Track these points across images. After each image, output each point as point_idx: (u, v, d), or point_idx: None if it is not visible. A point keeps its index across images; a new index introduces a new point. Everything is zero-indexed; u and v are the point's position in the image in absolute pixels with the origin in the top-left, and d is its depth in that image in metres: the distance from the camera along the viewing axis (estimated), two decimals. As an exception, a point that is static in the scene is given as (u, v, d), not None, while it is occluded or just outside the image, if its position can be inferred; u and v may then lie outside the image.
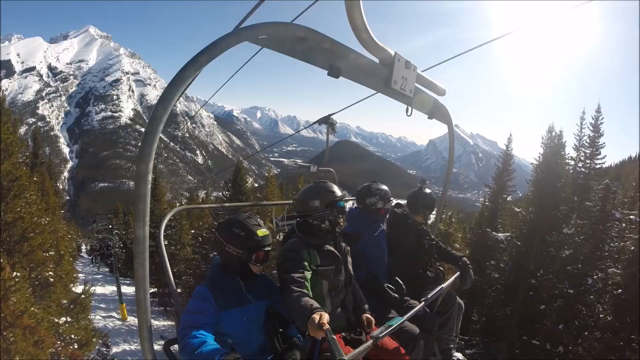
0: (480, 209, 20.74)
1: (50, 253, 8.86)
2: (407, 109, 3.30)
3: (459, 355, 4.47)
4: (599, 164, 14.09)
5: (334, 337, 1.92)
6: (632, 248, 11.75)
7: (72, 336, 7.87)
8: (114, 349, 17.75)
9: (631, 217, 12.42)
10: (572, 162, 14.37)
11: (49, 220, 9.66)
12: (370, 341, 2.39)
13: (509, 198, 17.88)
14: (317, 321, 2.07)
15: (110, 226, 31.59)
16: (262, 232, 2.58)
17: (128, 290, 30.62)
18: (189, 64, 1.78)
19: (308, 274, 2.77)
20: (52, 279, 8.33)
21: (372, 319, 2.98)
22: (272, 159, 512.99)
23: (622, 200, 13.72)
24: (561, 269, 13.19)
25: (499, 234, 15.47)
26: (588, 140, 13.98)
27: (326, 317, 2.11)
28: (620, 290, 11.54)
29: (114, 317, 23.16)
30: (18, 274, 6.23)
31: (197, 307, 2.36)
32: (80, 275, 18.24)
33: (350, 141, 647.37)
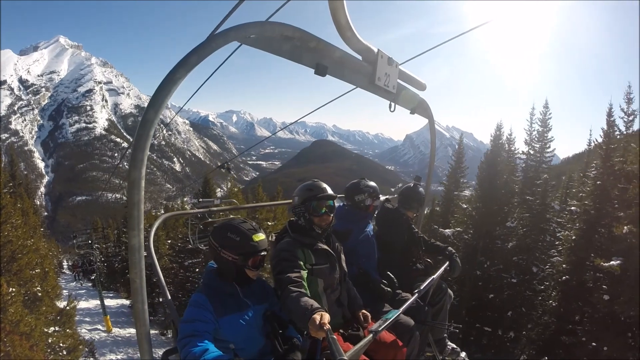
0: (431, 207, 21.34)
1: (36, 271, 9.85)
2: (390, 105, 3.44)
3: (452, 344, 4.53)
4: (549, 157, 14.94)
5: (335, 337, 1.92)
6: (574, 237, 12.34)
7: (61, 344, 8.93)
8: (101, 359, 18.20)
9: (572, 208, 13.10)
10: (524, 157, 15.15)
11: (33, 241, 10.57)
12: (370, 335, 2.44)
13: (465, 192, 18.53)
14: (318, 321, 2.06)
15: (89, 241, 31.99)
16: (257, 236, 2.54)
17: (111, 302, 31.32)
18: (178, 65, 1.78)
19: (304, 274, 2.77)
20: (39, 294, 9.33)
21: (368, 314, 3.09)
22: (250, 162, 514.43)
23: (565, 192, 14.92)
24: (508, 259, 13.99)
25: (446, 230, 15.97)
26: (537, 135, 14.81)
27: (327, 317, 2.11)
28: (565, 277, 12.19)
29: (99, 329, 23.43)
30: (13, 289, 7.22)
31: (195, 315, 2.32)
32: (64, 291, 18.79)
33: (327, 140, 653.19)
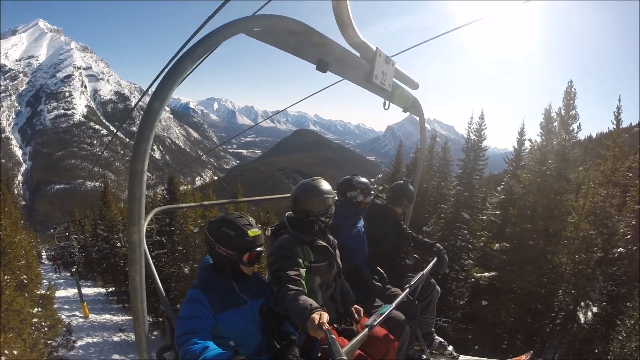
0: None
1: (21, 262, 11.84)
2: (384, 103, 3.51)
3: (440, 338, 4.60)
4: (482, 165, 15.90)
5: (334, 337, 1.90)
6: (482, 244, 13.21)
7: (43, 323, 11.03)
8: (79, 342, 19.37)
9: (483, 217, 14.31)
10: (462, 164, 15.91)
11: (19, 238, 12.54)
12: (366, 330, 2.45)
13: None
14: (317, 321, 2.06)
15: (67, 233, 33.20)
16: (253, 232, 2.49)
17: (89, 291, 32.82)
18: (185, 55, 1.76)
19: (303, 271, 2.77)
20: (25, 281, 11.38)
21: (361, 309, 3.12)
22: (230, 150, 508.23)
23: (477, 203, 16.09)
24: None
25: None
26: (472, 144, 15.77)
27: (326, 317, 2.11)
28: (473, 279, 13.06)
29: (77, 315, 24.88)
30: (7, 277, 9.25)
31: (192, 312, 2.28)
32: (44, 280, 20.29)
33: (309, 130, 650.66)
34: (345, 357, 1.76)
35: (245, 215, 2.60)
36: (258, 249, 2.53)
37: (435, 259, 4.19)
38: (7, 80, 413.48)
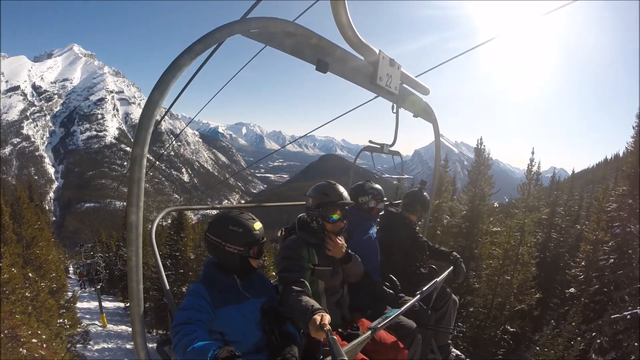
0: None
1: (52, 275, 15.34)
2: (392, 107, 3.43)
3: (457, 351, 4.46)
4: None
5: (335, 338, 1.90)
6: None
7: (66, 320, 14.39)
8: (96, 347, 22.26)
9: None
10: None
11: (52, 256, 16.16)
12: (369, 332, 2.46)
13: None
14: (318, 322, 2.07)
15: (92, 253, 36.10)
16: (257, 225, 2.57)
17: (109, 305, 35.68)
18: (184, 52, 1.85)
19: (307, 274, 2.82)
20: (55, 288, 14.94)
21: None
22: (258, 175, 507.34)
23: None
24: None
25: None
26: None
27: (327, 318, 2.11)
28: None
29: (96, 324, 27.66)
30: (43, 284, 12.82)
31: (190, 303, 2.32)
32: (69, 292, 23.45)
33: (336, 155, 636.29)
34: (346, 358, 1.77)
35: (244, 211, 2.68)
36: (263, 240, 2.62)
37: (452, 267, 4.13)
38: (42, 101, 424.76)
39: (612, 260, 12.95)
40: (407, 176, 5.14)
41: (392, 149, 4.22)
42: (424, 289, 3.23)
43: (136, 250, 1.99)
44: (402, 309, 2.85)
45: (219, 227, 2.55)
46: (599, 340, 11.50)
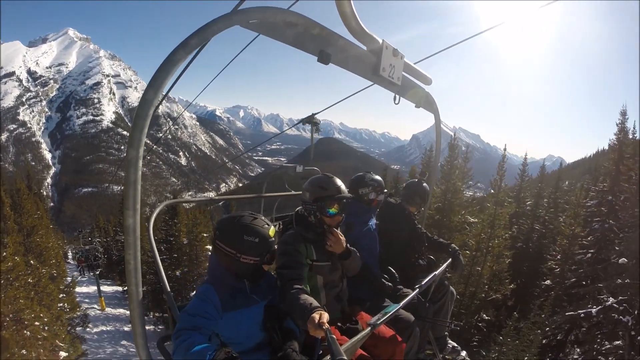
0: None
1: (52, 261, 16.13)
2: (394, 97, 3.36)
3: (453, 342, 4.45)
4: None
5: (334, 336, 1.90)
6: None
7: (66, 305, 15.23)
8: (95, 329, 22.94)
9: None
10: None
11: (51, 243, 16.94)
12: (368, 328, 2.45)
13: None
14: (317, 320, 2.08)
15: (90, 238, 36.60)
16: (272, 231, 2.48)
17: (107, 289, 36.09)
18: (179, 47, 1.76)
19: (306, 269, 2.79)
20: (55, 274, 15.73)
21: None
22: (256, 158, 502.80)
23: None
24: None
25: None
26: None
27: (326, 317, 2.12)
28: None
29: (95, 307, 28.21)
30: (44, 270, 13.64)
31: (198, 309, 2.27)
32: (68, 278, 24.08)
33: (334, 138, 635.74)
34: (345, 357, 1.75)
35: (257, 215, 2.53)
36: (276, 245, 2.61)
37: (450, 259, 4.11)
38: (38, 87, 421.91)
39: (590, 254, 13.39)
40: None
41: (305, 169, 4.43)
42: (422, 283, 3.25)
43: (134, 253, 1.99)
44: (401, 303, 2.88)
45: (233, 236, 2.42)
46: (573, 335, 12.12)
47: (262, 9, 2.02)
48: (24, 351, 9.01)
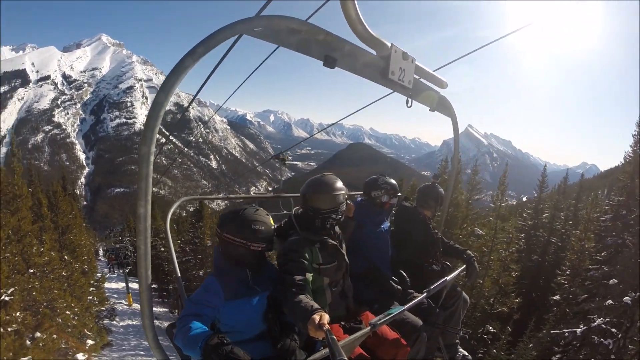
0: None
1: (84, 258, 17.48)
2: (407, 101, 3.29)
3: (464, 351, 4.37)
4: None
5: (335, 337, 1.91)
6: None
7: (95, 298, 16.51)
8: (121, 323, 24.53)
9: None
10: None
11: (84, 242, 18.34)
12: (368, 328, 2.46)
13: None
14: (317, 321, 2.08)
15: (120, 237, 37.91)
16: (272, 220, 2.71)
17: (135, 285, 36.33)
18: (187, 55, 1.87)
19: (309, 275, 2.78)
20: (86, 269, 17.08)
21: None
22: (286, 162, 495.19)
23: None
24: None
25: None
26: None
27: (326, 318, 2.12)
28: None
29: (122, 303, 29.97)
30: (77, 265, 14.89)
31: (201, 298, 2.44)
32: (98, 273, 24.44)
33: (364, 143, 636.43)
34: (345, 358, 1.76)
35: (255, 206, 2.76)
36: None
37: (464, 266, 4.06)
38: (73, 90, 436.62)
39: (603, 270, 12.65)
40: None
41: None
42: (431, 287, 3.23)
43: (145, 240, 2.07)
44: (406, 306, 2.86)
45: (241, 227, 2.59)
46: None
47: (266, 17, 2.10)
48: (54, 336, 10.00)
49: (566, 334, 11.07)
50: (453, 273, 3.74)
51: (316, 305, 2.30)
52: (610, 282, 10.72)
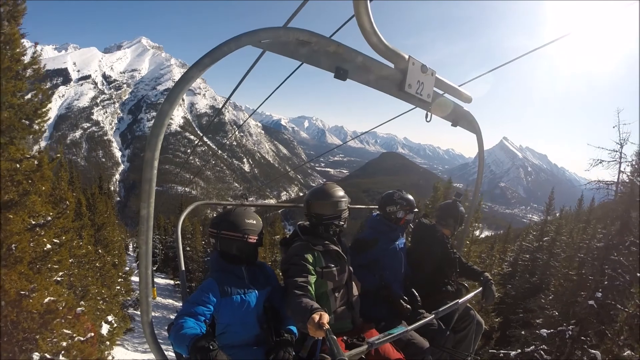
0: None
1: (115, 252, 19.90)
2: (426, 115, 3.14)
3: None
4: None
5: (334, 337, 1.92)
6: None
7: (123, 289, 18.91)
8: None
9: None
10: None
11: (117, 238, 20.84)
12: (365, 346, 2.47)
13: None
14: (317, 320, 2.08)
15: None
16: (258, 217, 2.84)
17: (161, 281, 39.75)
18: (193, 66, 1.91)
19: (312, 278, 2.79)
20: (117, 262, 19.60)
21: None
22: (318, 169, 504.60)
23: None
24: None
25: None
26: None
27: (326, 317, 2.12)
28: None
29: None
30: (109, 258, 17.33)
31: (198, 298, 2.52)
32: (127, 267, 26.62)
33: (396, 153, 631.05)
34: (345, 357, 1.78)
35: (242, 206, 3.07)
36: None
37: (479, 289, 3.91)
38: (112, 90, 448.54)
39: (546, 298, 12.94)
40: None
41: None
42: (440, 309, 3.21)
43: (146, 240, 2.11)
44: (410, 327, 2.85)
45: (237, 223, 2.72)
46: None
47: (273, 29, 2.07)
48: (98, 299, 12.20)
49: (501, 354, 11.31)
50: (466, 296, 3.76)
51: (316, 305, 2.33)
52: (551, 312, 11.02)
